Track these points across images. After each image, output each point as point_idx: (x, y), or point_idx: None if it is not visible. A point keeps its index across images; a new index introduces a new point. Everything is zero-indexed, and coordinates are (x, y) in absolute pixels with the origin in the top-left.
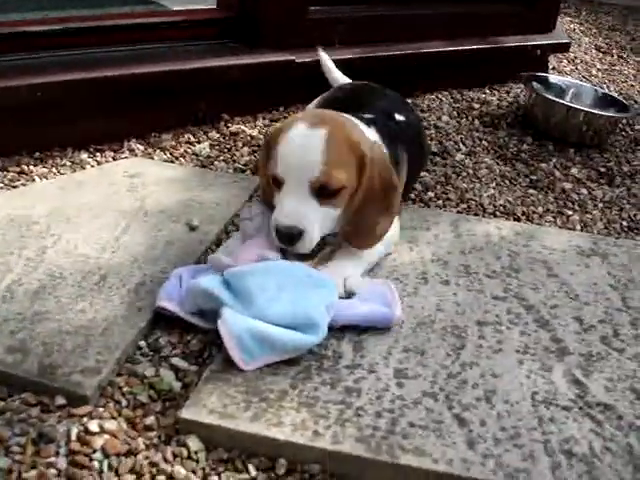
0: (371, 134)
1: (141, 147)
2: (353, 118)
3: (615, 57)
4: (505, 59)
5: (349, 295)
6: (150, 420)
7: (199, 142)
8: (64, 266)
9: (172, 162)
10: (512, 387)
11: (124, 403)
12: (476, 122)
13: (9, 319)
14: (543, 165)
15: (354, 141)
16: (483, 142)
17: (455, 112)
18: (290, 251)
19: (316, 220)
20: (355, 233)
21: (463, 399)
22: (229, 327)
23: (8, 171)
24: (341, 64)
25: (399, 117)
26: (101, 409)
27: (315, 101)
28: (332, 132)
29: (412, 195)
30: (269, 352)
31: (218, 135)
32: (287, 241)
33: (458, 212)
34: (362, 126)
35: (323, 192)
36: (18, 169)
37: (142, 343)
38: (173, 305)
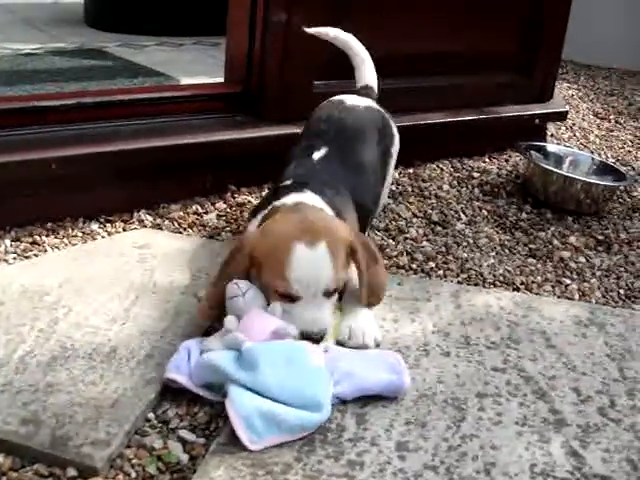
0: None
1: (150, 218)
2: (317, 200)
3: (613, 122)
4: (504, 129)
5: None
6: None
7: (206, 213)
8: (75, 338)
9: (180, 233)
10: (511, 459)
11: (133, 475)
12: (476, 191)
13: (22, 390)
14: (542, 234)
15: (345, 239)
16: (483, 211)
17: (455, 181)
18: None
19: (330, 314)
20: (373, 295)
21: (463, 472)
22: (236, 407)
23: (21, 241)
24: None
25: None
26: None
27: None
28: (329, 243)
29: (414, 265)
30: (276, 432)
31: (225, 206)
32: (316, 342)
33: (459, 282)
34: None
35: (332, 292)
36: (30, 239)
37: (151, 415)
38: (181, 377)
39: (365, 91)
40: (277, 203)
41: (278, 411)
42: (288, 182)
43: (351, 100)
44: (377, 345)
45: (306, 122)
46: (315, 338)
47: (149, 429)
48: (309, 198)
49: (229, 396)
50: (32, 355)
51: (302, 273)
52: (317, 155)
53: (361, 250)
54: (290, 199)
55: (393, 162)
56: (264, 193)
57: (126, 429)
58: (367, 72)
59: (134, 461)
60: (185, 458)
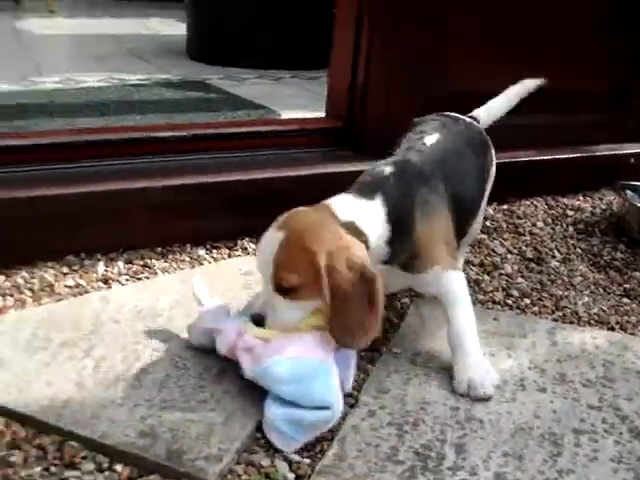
0: (369, 211)
1: (252, 245)
2: (340, 206)
3: None
4: (598, 167)
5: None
6: None
7: None
8: (186, 358)
9: None
10: None
11: None
12: (570, 229)
13: (139, 405)
14: (636, 274)
15: (310, 251)
16: (577, 249)
17: (550, 219)
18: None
19: (282, 309)
20: (342, 330)
21: None
22: (266, 419)
23: (133, 264)
24: None
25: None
26: None
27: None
28: (288, 237)
29: (509, 301)
30: (302, 432)
31: None
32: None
33: (554, 319)
34: (363, 205)
35: (282, 289)
36: (142, 262)
37: (258, 434)
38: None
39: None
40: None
41: (296, 412)
42: (395, 157)
43: (454, 114)
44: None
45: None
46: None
47: (257, 448)
48: (357, 207)
49: (264, 412)
50: (147, 372)
51: (258, 249)
52: (429, 140)
53: (333, 280)
54: (336, 198)
55: (490, 183)
56: None
57: (236, 446)
58: (485, 105)
59: (243, 477)
60: (291, 477)
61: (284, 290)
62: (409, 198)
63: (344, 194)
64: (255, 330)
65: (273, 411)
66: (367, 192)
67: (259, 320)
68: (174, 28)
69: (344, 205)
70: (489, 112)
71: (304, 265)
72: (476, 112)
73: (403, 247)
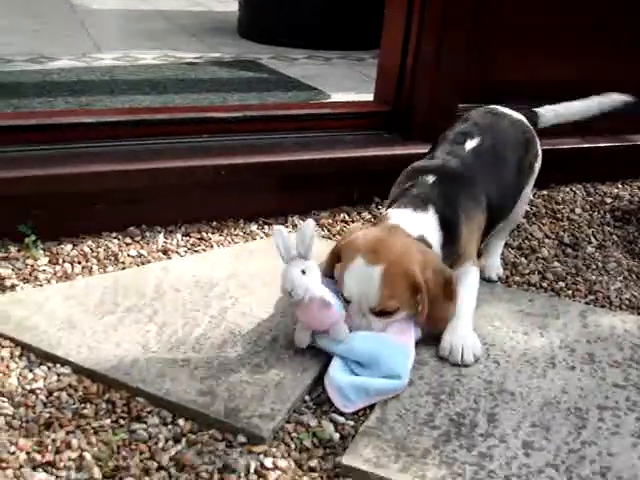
0: (428, 223)
1: (302, 222)
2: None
3: None
4: (638, 156)
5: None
6: (314, 463)
7: (353, 221)
8: (242, 325)
9: (329, 238)
10: (625, 466)
11: (292, 446)
12: (607, 216)
13: (199, 367)
14: None
15: (409, 274)
16: (613, 236)
17: (588, 205)
18: None
19: (378, 328)
20: (430, 323)
21: (582, 472)
22: (332, 380)
23: (190, 236)
24: None
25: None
26: (274, 449)
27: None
28: (387, 269)
29: (544, 284)
30: (364, 397)
31: (370, 216)
32: None
33: (586, 303)
34: (421, 218)
35: (381, 314)
36: (199, 235)
37: (307, 397)
38: None
39: (524, 111)
40: (389, 213)
41: (365, 381)
42: (436, 162)
43: (504, 109)
44: (476, 360)
45: (460, 119)
46: None
47: (305, 409)
48: (419, 220)
49: (328, 372)
50: (206, 337)
51: (352, 285)
52: (470, 145)
53: (427, 288)
54: (399, 215)
55: (533, 178)
56: None
57: (287, 407)
58: (556, 105)
59: (293, 434)
60: (336, 437)
61: (383, 314)
62: (454, 207)
63: (401, 209)
64: None
65: (341, 377)
66: (420, 205)
67: None
68: (225, 5)
69: (410, 222)
70: (556, 113)
71: (404, 289)
72: (540, 109)
73: (452, 249)
